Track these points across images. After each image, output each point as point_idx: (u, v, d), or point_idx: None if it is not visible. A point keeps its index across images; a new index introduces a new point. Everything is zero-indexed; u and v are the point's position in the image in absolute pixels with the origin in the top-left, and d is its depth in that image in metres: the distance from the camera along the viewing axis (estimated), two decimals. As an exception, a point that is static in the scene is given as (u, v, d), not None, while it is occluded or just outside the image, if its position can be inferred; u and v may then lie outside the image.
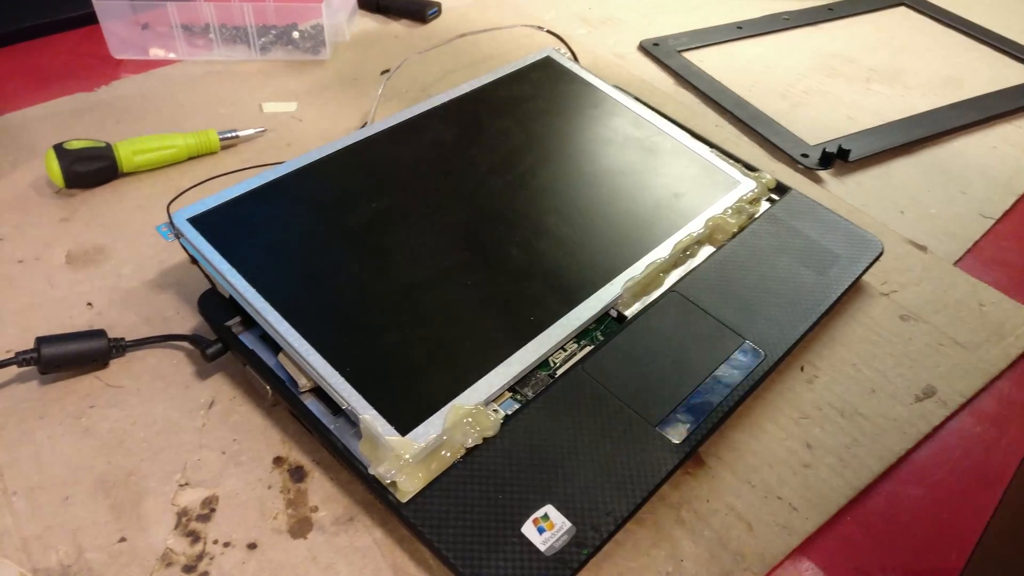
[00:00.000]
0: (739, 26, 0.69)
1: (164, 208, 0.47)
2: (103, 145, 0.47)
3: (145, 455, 0.34)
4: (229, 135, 0.51)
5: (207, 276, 0.38)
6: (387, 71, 0.60)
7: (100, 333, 0.37)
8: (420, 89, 0.59)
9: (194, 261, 0.38)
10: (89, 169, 0.47)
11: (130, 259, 0.43)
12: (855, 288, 0.45)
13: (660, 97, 0.60)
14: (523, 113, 0.49)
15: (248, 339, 0.37)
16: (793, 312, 0.41)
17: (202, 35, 0.60)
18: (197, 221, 0.39)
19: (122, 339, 0.38)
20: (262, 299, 0.36)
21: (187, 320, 0.40)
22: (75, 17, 0.63)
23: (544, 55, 0.54)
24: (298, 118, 0.55)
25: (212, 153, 0.51)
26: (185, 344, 0.39)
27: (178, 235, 0.38)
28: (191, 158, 0.50)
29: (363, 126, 0.52)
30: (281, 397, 0.35)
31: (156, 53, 0.60)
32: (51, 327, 0.39)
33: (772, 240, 0.44)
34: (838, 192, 0.52)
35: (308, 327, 0.35)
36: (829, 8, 0.74)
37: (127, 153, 0.48)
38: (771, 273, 0.42)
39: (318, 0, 0.60)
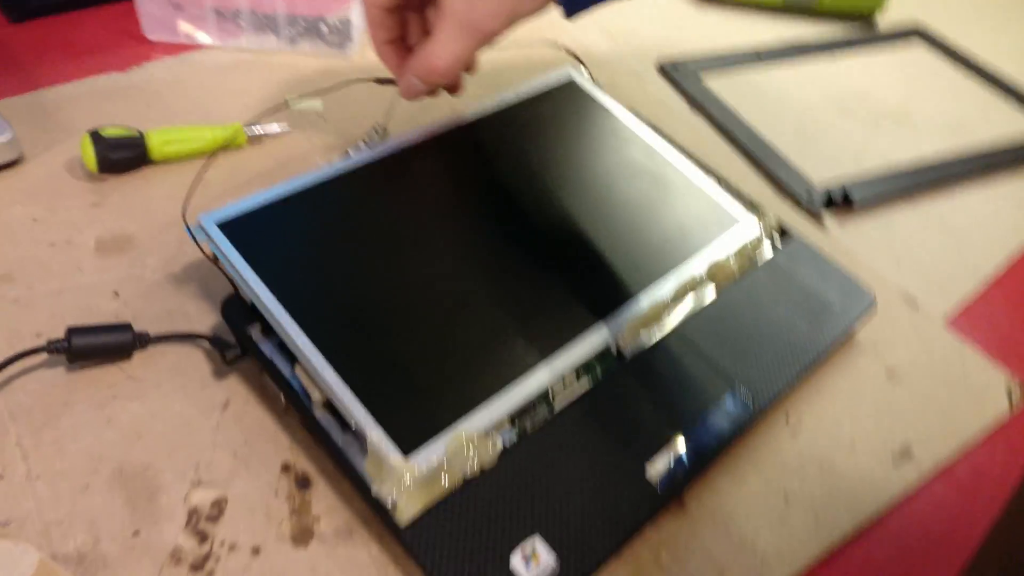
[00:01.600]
0: (758, 53, 0.71)
1: (190, 200, 0.49)
2: (136, 134, 0.49)
3: (161, 450, 0.37)
4: (256, 130, 0.53)
5: (230, 280, 0.40)
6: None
7: (126, 327, 0.39)
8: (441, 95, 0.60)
9: (215, 262, 0.40)
10: (122, 156, 0.48)
11: (155, 250, 0.45)
12: (846, 339, 0.47)
13: (675, 122, 0.62)
14: (541, 137, 0.51)
15: (267, 348, 0.39)
16: (783, 361, 0.43)
17: (232, 20, 0.62)
18: (225, 226, 0.40)
19: (146, 333, 0.40)
20: (283, 310, 0.38)
21: (207, 317, 0.42)
22: (110, -9, 0.64)
23: (566, 76, 0.55)
24: (324, 117, 0.56)
25: (238, 147, 0.53)
26: (204, 343, 0.41)
27: (209, 239, 0.40)
28: (217, 150, 0.52)
29: (373, 137, 0.54)
30: (293, 407, 0.37)
31: (188, 36, 0.61)
32: (79, 313, 0.41)
33: (771, 286, 0.46)
34: (838, 236, 0.54)
35: (325, 341, 0.37)
36: (847, 40, 0.75)
37: (158, 143, 0.49)
38: (767, 320, 0.44)
39: (350, -1, 0.61)
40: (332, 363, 0.36)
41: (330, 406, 0.37)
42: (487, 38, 0.42)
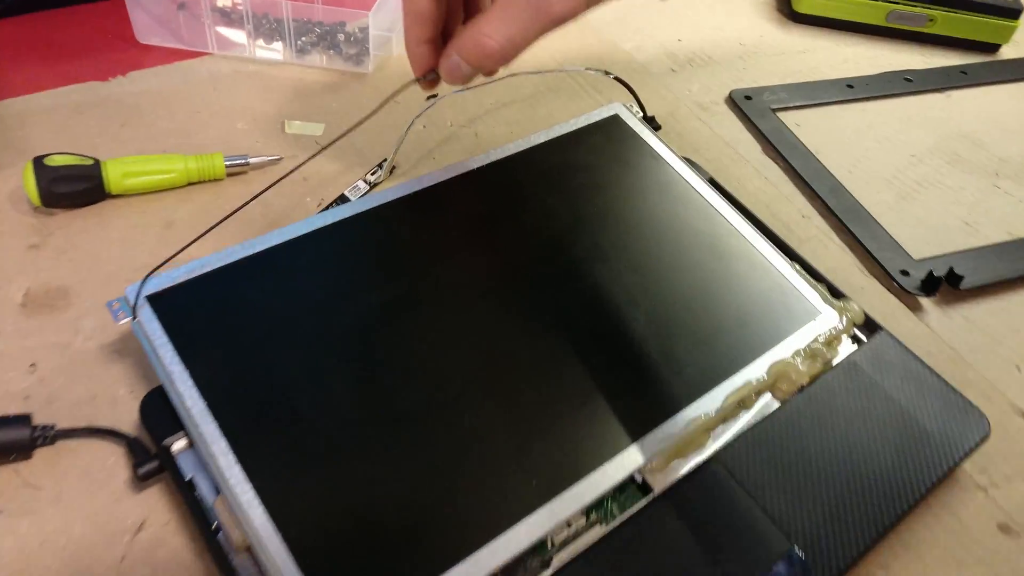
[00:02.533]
0: (850, 84, 0.59)
1: (146, 245, 0.41)
2: (90, 163, 0.41)
3: (45, 593, 0.29)
4: (238, 161, 0.45)
5: (157, 372, 0.32)
6: (434, 96, 0.52)
7: (24, 420, 0.32)
8: (466, 122, 0.51)
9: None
10: (71, 190, 0.41)
11: (93, 310, 0.38)
12: (946, 476, 0.36)
13: (742, 170, 0.51)
14: (572, 190, 0.41)
15: (188, 462, 0.30)
16: (861, 511, 0.33)
17: (239, 24, 0.54)
18: (158, 300, 0.32)
19: (52, 426, 0.32)
20: (212, 421, 0.29)
21: (137, 407, 0.34)
22: (105, -13, 0.57)
23: (612, 113, 0.45)
24: (321, 143, 0.48)
25: (216, 180, 0.45)
26: (124, 444, 0.33)
27: (133, 315, 0.32)
28: (191, 183, 0.44)
29: (377, 175, 0.45)
30: (207, 546, 0.29)
31: (185, 41, 0.54)
32: (-16, 390, 0.34)
33: (848, 400, 0.36)
34: (940, 328, 0.43)
35: (259, 469, 0.28)
36: (962, 71, 0.63)
37: (117, 175, 0.42)
38: (841, 449, 0.34)
39: (365, 8, 0.52)
40: (264, 500, 0.28)
41: (252, 554, 0.28)
42: (555, 23, 0.34)
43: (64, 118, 0.47)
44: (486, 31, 0.34)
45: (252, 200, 0.38)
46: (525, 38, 0.34)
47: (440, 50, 0.37)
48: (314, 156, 0.39)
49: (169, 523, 0.31)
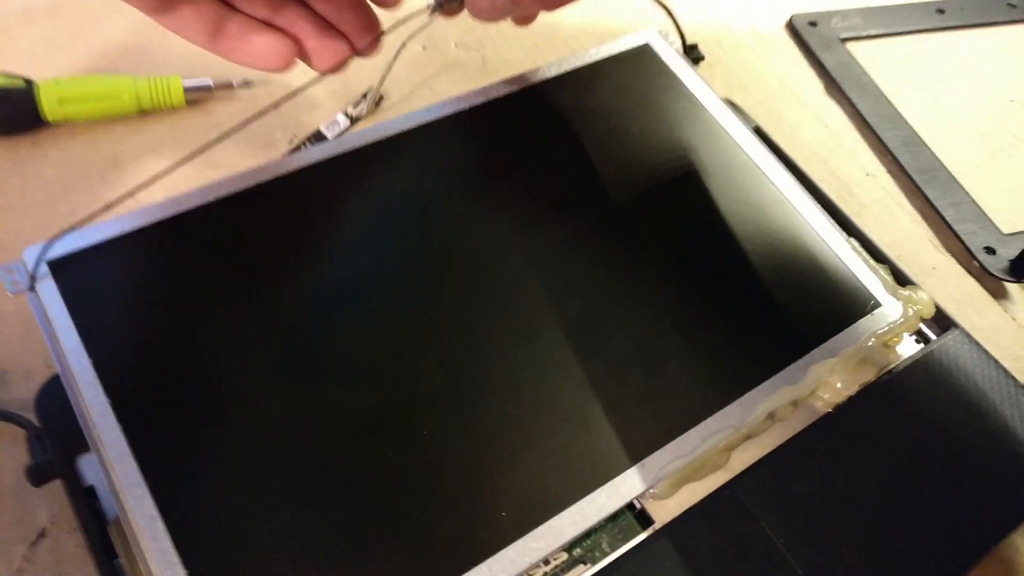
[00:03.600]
0: (940, 8, 0.50)
1: (87, 186, 0.35)
2: (21, 85, 0.35)
3: (-80, 613, 0.24)
4: (198, 84, 0.38)
5: (54, 358, 0.26)
6: (439, 6, 0.45)
7: (-92, 404, 0.27)
8: (475, 43, 0.44)
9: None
10: (-1, 115, 0.35)
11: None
12: None
13: (797, 115, 0.43)
14: (588, 138, 0.34)
15: (90, 467, 0.25)
16: (922, 565, 0.26)
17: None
18: (66, 267, 0.27)
19: (-55, 408, 0.27)
20: (116, 427, 0.24)
21: (52, 384, 0.29)
22: None
23: (643, 41, 0.37)
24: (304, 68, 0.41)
25: (174, 108, 0.38)
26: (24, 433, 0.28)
27: (31, 285, 0.26)
28: (143, 112, 0.38)
29: (358, 103, 0.38)
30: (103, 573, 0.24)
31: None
32: None
33: (908, 418, 0.29)
34: (1028, 323, 0.36)
35: (172, 493, 0.23)
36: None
37: (51, 100, 0.35)
38: (894, 481, 0.28)
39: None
40: (170, 526, 0.23)
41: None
42: None
43: (5, 26, 0.41)
44: None
45: (216, 142, 0.32)
46: None
47: None
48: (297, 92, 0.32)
49: (75, 528, 0.26)
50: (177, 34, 0.27)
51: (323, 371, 0.26)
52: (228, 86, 0.39)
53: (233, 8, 0.27)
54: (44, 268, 0.26)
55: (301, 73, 0.29)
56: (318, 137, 0.38)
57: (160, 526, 0.23)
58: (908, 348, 0.32)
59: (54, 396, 0.26)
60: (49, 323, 0.25)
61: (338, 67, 0.29)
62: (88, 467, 0.26)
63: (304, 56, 0.29)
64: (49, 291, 0.26)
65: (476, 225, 0.31)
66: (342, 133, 0.38)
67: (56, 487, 0.27)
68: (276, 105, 0.39)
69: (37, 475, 0.25)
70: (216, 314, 0.27)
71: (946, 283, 0.36)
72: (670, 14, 0.40)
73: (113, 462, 0.23)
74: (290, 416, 0.25)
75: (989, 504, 0.28)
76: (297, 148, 0.38)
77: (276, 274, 0.28)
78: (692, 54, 0.39)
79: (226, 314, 0.27)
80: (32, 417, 0.27)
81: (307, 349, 0.26)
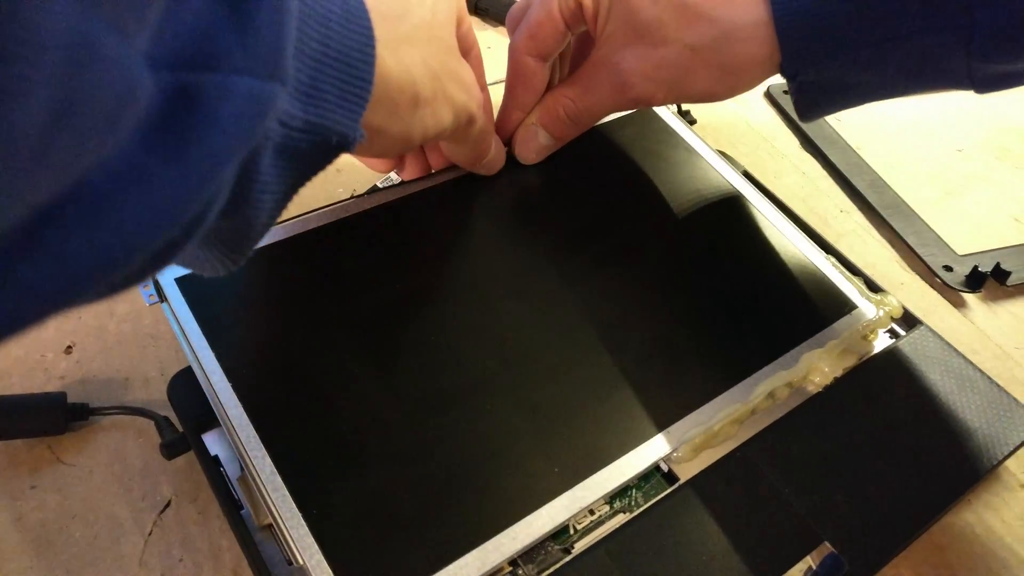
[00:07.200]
0: (895, 78, 0.58)
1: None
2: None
3: (73, 565, 0.29)
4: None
5: (186, 353, 0.32)
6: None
7: (58, 398, 0.32)
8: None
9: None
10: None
11: (128, 294, 0.38)
12: (989, 474, 0.35)
13: (779, 165, 0.50)
14: (605, 183, 0.41)
15: (214, 441, 0.31)
16: (898, 508, 0.31)
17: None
18: (188, 281, 0.33)
19: (85, 405, 0.33)
20: (238, 405, 0.29)
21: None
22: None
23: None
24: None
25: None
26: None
27: (162, 298, 0.32)
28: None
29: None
30: (232, 526, 0.29)
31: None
32: (21, 370, 0.35)
33: (884, 394, 0.35)
34: (985, 326, 0.42)
35: (283, 450, 0.29)
36: (1013, 66, 0.61)
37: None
38: (875, 443, 0.33)
39: None
40: (286, 480, 0.28)
41: (274, 532, 0.29)
42: (631, 104, 0.35)
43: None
44: (568, 94, 0.35)
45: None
46: (602, 109, 0.36)
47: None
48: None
49: (196, 500, 0.32)
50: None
51: (409, 362, 0.32)
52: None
53: None
54: (172, 283, 0.32)
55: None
56: (373, 190, 0.45)
57: (278, 479, 0.28)
58: (882, 341, 0.38)
59: (182, 386, 0.32)
60: (179, 324, 0.31)
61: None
62: (211, 441, 0.31)
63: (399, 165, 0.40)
64: (177, 300, 0.32)
65: (522, 249, 0.37)
66: (393, 186, 0.45)
67: (176, 467, 0.32)
68: (339, 169, 0.46)
69: (171, 450, 0.31)
70: (316, 317, 0.33)
71: (913, 295, 0.43)
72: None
73: (238, 431, 0.29)
74: (384, 395, 0.31)
75: (950, 462, 0.33)
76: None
77: (366, 286, 0.34)
78: (687, 118, 0.47)
79: (325, 317, 0.33)
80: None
81: (397, 345, 0.32)
